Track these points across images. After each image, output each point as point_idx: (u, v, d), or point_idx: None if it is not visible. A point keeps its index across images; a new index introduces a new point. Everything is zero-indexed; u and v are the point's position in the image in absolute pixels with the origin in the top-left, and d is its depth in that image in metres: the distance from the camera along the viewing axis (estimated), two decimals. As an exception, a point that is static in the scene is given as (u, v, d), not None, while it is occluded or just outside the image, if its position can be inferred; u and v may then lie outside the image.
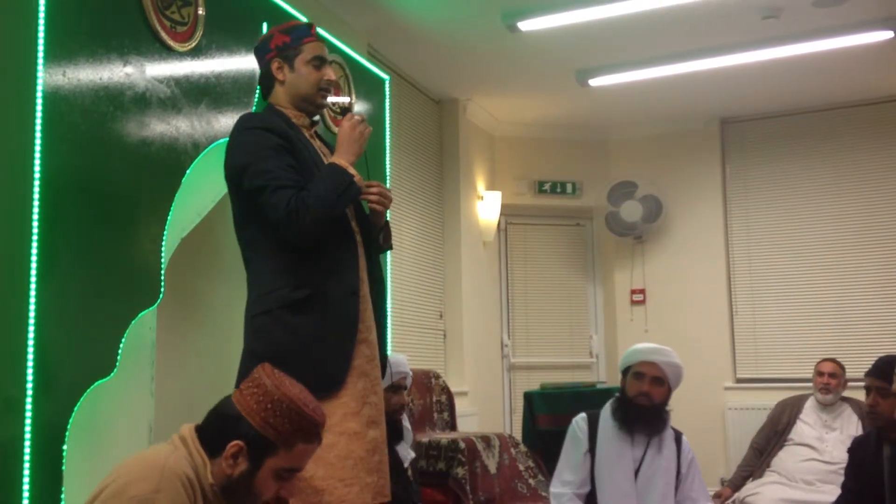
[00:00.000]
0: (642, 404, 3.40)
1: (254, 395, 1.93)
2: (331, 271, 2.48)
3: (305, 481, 2.35)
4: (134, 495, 1.76)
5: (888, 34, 5.22)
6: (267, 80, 2.64)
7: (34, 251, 2.49)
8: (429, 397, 5.10)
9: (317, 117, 2.72)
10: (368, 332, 2.55)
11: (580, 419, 3.53)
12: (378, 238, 2.71)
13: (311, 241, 2.43)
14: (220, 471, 1.90)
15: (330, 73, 2.62)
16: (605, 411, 3.49)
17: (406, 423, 3.77)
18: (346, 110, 2.63)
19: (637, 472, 3.37)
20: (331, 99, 2.70)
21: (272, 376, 1.96)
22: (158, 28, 3.02)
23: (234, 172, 2.49)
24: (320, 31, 2.76)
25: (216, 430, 1.93)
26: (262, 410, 1.91)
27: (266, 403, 1.91)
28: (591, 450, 3.43)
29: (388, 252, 4.61)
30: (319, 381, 2.38)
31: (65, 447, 2.55)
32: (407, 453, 3.70)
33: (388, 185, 4.51)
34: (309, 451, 1.98)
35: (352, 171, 2.47)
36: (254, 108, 3.45)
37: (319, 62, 2.60)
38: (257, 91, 3.52)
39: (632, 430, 3.39)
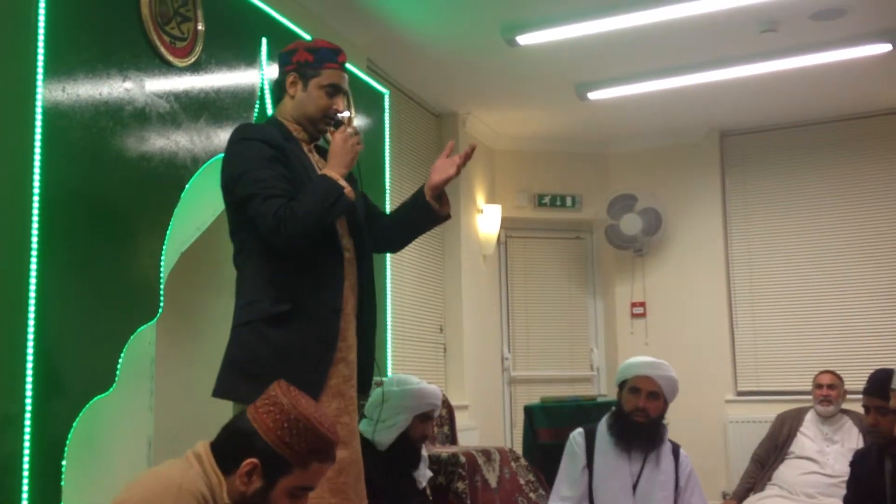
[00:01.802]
0: (639, 421, 3.40)
1: (270, 412, 1.91)
2: (314, 287, 2.47)
3: None
4: None
5: (886, 47, 5.24)
6: (279, 90, 2.66)
7: (33, 266, 2.49)
8: (429, 411, 5.08)
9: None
10: (348, 352, 2.54)
11: (577, 434, 3.52)
12: (434, 205, 2.71)
13: (299, 252, 2.43)
14: (234, 488, 1.88)
15: (340, 104, 2.62)
16: (602, 426, 3.48)
17: (423, 451, 3.73)
18: (338, 122, 2.62)
19: (635, 486, 3.36)
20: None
21: (288, 394, 1.93)
22: (158, 43, 3.03)
23: (229, 181, 2.51)
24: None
25: (231, 446, 1.91)
26: (278, 429, 1.88)
27: (282, 422, 1.89)
28: (589, 465, 3.42)
29: (388, 265, 4.64)
30: None
31: (64, 462, 2.55)
32: (424, 475, 3.68)
33: (387, 200, 4.52)
34: (323, 471, 1.95)
35: (342, 182, 2.46)
36: (253, 122, 3.46)
37: (333, 90, 2.60)
38: (256, 106, 3.53)
39: (629, 445, 3.38)
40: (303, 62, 2.60)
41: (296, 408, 1.91)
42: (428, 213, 2.74)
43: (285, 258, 2.44)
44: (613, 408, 3.54)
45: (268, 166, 2.44)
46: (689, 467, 3.49)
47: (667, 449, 3.45)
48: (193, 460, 1.91)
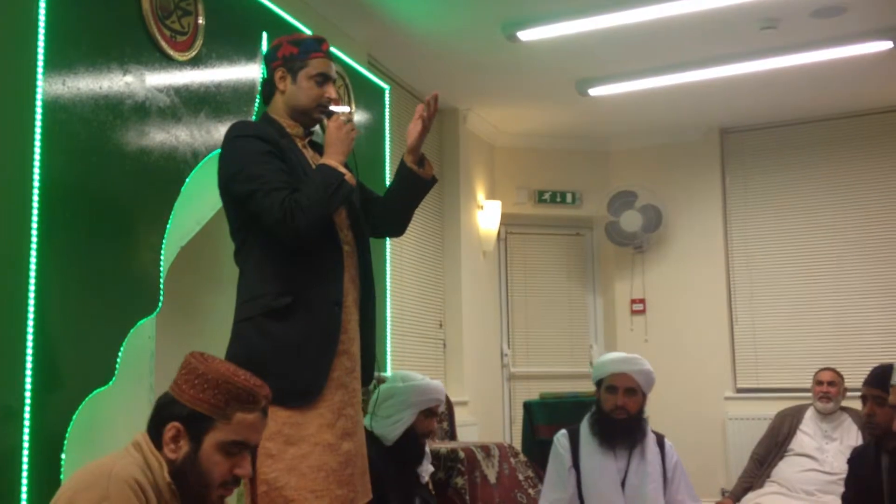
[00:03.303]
0: (619, 418, 3.40)
1: (184, 377, 1.94)
2: (315, 281, 2.47)
3: (276, 491, 2.35)
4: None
5: (887, 45, 5.23)
6: (269, 87, 2.64)
7: (33, 259, 2.50)
8: (428, 407, 5.07)
9: (315, 127, 2.72)
10: (350, 344, 2.54)
11: (560, 436, 3.52)
12: (416, 169, 2.70)
13: (306, 243, 2.43)
14: (167, 460, 1.91)
15: (331, 91, 2.61)
16: (585, 425, 3.48)
17: (426, 446, 3.74)
18: (330, 113, 2.62)
19: (624, 482, 3.37)
20: (332, 108, 2.69)
21: (199, 358, 1.97)
22: (158, 37, 3.03)
23: (226, 179, 2.50)
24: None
25: (156, 423, 1.94)
26: (191, 388, 1.92)
27: (194, 380, 1.92)
28: (576, 465, 3.42)
29: (388, 261, 4.64)
30: (296, 391, 2.38)
31: (63, 455, 2.55)
32: (426, 470, 3.69)
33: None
34: (252, 422, 1.96)
35: (342, 169, 2.46)
36: (253, 117, 3.46)
37: (322, 79, 2.60)
38: (257, 100, 3.53)
39: (612, 444, 3.39)
40: (288, 56, 2.59)
41: (208, 365, 1.94)
42: (412, 179, 2.73)
43: (285, 253, 2.44)
44: (593, 407, 3.54)
45: (265, 161, 2.43)
46: (675, 458, 3.49)
47: (651, 441, 3.46)
48: (132, 449, 1.92)
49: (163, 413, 1.93)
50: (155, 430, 1.93)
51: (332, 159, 2.48)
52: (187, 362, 1.97)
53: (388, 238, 2.84)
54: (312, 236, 2.42)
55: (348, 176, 2.47)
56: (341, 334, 2.50)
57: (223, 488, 1.94)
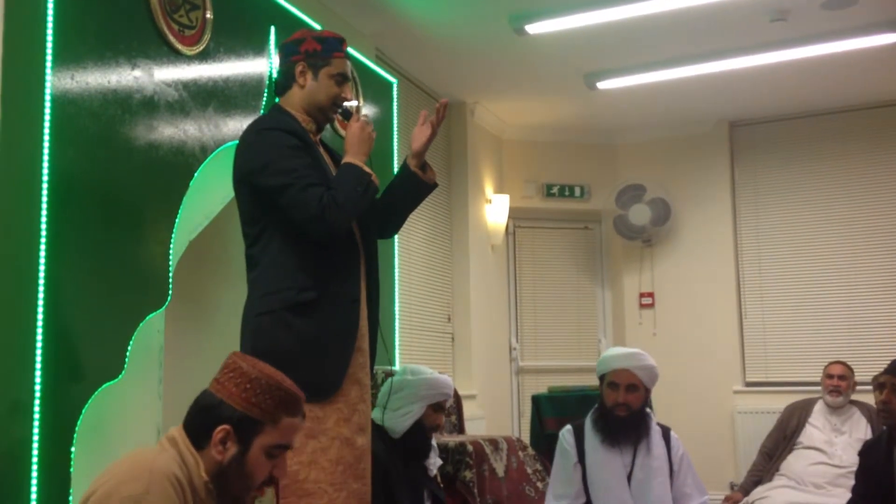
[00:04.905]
0: (621, 415, 3.40)
1: (230, 379, 1.94)
2: (335, 277, 2.49)
3: (297, 483, 2.37)
4: (125, 496, 1.76)
5: (897, 36, 5.21)
6: (286, 79, 2.64)
7: (42, 254, 2.50)
8: (437, 400, 5.08)
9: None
10: (363, 340, 2.57)
11: (566, 432, 3.53)
12: (419, 173, 2.71)
13: (338, 238, 2.46)
14: (211, 461, 1.91)
15: (348, 92, 2.64)
16: (589, 421, 3.49)
17: (433, 440, 3.76)
18: (347, 113, 2.64)
19: (630, 476, 3.36)
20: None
21: (245, 359, 1.98)
22: (167, 31, 3.03)
23: (250, 171, 2.48)
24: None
25: (200, 422, 1.94)
26: (242, 391, 1.92)
27: (245, 384, 1.92)
28: (581, 460, 3.42)
29: (396, 255, 4.64)
30: (317, 385, 2.39)
31: (73, 449, 2.56)
32: (434, 463, 3.71)
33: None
34: (295, 426, 1.98)
35: (367, 169, 2.50)
36: (262, 111, 3.46)
37: (342, 79, 2.62)
38: (265, 95, 3.53)
39: (616, 440, 3.38)
40: (311, 51, 2.59)
41: (255, 368, 1.95)
42: (415, 182, 2.74)
43: (307, 248, 2.45)
44: (597, 403, 3.54)
45: (295, 155, 2.44)
46: (682, 450, 3.49)
47: (657, 435, 3.45)
48: (167, 444, 1.93)
49: (210, 414, 1.92)
50: (197, 429, 1.93)
51: (356, 159, 2.51)
52: (232, 363, 1.97)
53: (379, 239, 2.85)
54: (342, 234, 2.46)
55: (374, 176, 2.50)
56: (358, 331, 2.52)
57: (259, 489, 1.97)
